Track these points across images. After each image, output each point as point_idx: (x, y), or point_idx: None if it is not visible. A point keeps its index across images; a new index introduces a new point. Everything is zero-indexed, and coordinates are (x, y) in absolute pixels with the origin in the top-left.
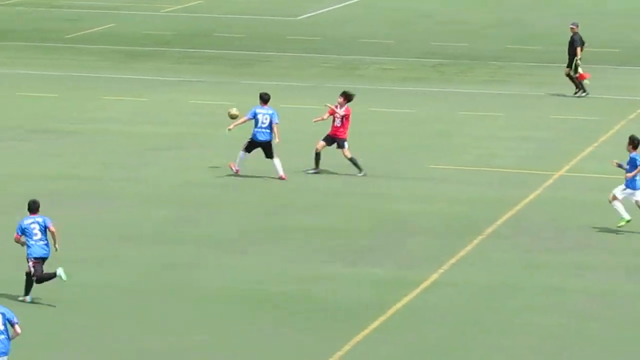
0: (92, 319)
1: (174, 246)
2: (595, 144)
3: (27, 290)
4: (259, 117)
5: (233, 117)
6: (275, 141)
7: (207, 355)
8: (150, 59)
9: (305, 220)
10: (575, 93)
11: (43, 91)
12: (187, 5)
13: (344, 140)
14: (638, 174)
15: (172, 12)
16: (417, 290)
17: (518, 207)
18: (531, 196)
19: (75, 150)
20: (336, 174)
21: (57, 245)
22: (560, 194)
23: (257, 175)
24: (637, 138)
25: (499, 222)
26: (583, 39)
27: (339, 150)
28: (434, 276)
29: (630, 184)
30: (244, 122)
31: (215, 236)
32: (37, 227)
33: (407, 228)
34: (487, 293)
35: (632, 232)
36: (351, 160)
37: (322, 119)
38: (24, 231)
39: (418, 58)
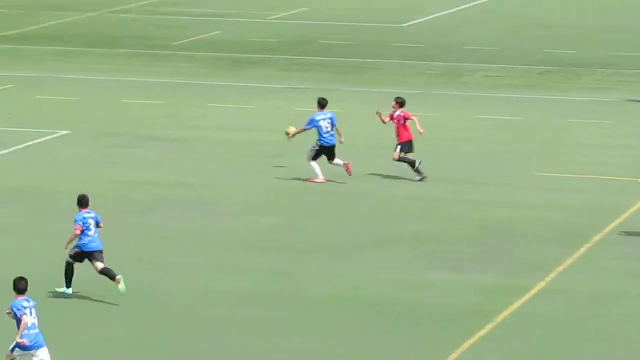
0: (201, 325)
1: (280, 253)
2: None
3: (68, 282)
4: (321, 123)
5: (289, 134)
6: (341, 140)
7: None
8: (255, 66)
9: (411, 227)
10: None
11: (149, 98)
12: (292, 12)
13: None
14: None
15: (278, 19)
16: (524, 298)
17: (625, 215)
18: (638, 204)
19: (180, 158)
20: (443, 181)
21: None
22: None
23: (361, 182)
24: None
25: (606, 229)
26: None
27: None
28: (541, 284)
29: None
30: (302, 131)
31: (321, 243)
32: (93, 222)
33: (513, 235)
34: (593, 301)
35: None
36: (400, 159)
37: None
38: (84, 224)
39: (524, 65)
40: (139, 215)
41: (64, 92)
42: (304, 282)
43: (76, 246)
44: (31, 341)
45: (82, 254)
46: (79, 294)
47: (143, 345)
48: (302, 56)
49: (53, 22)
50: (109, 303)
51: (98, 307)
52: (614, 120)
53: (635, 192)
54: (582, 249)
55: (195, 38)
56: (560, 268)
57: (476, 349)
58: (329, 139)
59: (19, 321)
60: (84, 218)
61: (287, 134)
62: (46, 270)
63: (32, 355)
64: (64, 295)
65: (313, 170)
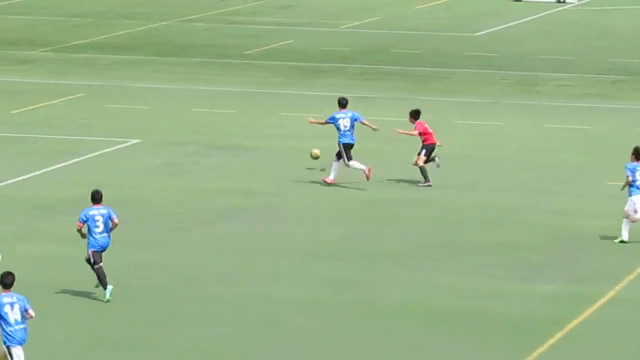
0: (269, 333)
1: (348, 262)
2: None
3: (103, 284)
4: (340, 122)
5: (315, 157)
6: (375, 128)
7: None
8: (327, 75)
9: (481, 235)
10: None
11: (220, 107)
12: (365, 21)
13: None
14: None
15: (351, 28)
16: (594, 307)
17: None
18: None
19: (252, 166)
20: (513, 190)
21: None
22: None
23: (428, 191)
24: None
25: None
26: None
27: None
28: (611, 292)
29: (633, 191)
30: (323, 123)
31: (390, 251)
32: (101, 219)
33: (584, 244)
34: None
35: None
36: (421, 168)
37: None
38: (86, 220)
39: (597, 74)
40: (209, 224)
41: (135, 101)
42: (371, 291)
43: (90, 246)
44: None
45: (98, 253)
46: (150, 302)
47: (212, 355)
48: (374, 65)
49: (125, 32)
50: (177, 312)
51: (169, 315)
52: None
53: None
54: None
55: (267, 47)
56: (631, 277)
57: (546, 357)
58: (345, 138)
59: None
60: (88, 215)
61: (312, 155)
62: (112, 277)
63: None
64: (110, 295)
65: (355, 168)
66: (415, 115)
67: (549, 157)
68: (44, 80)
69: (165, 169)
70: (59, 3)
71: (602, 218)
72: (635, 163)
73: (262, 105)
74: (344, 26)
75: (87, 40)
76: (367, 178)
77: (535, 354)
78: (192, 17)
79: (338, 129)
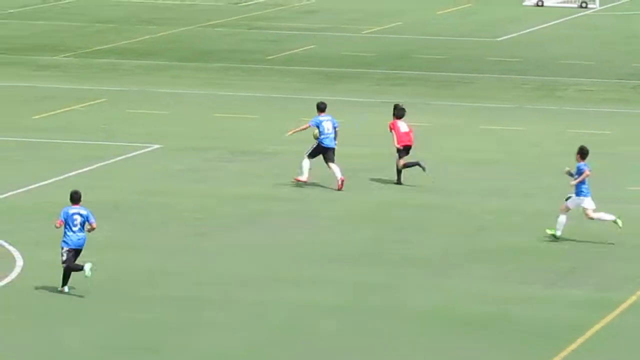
0: (295, 339)
1: (376, 267)
2: None
3: (64, 282)
4: (324, 124)
5: (316, 137)
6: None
7: None
8: (350, 80)
9: (505, 241)
10: None
11: (242, 112)
12: (387, 26)
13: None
14: (583, 182)
15: (373, 33)
16: (616, 312)
17: None
18: None
19: (275, 172)
20: (537, 195)
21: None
22: None
23: (453, 196)
24: (586, 148)
25: None
26: None
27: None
28: (633, 298)
29: (577, 192)
30: (305, 128)
31: (416, 257)
32: (80, 218)
33: (606, 249)
34: None
35: None
36: (405, 166)
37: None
38: (66, 218)
39: (618, 79)
40: (231, 230)
41: (156, 106)
42: (395, 296)
43: (64, 244)
44: None
45: (70, 251)
46: (172, 308)
47: None
48: (396, 70)
49: (147, 37)
50: (199, 318)
51: (192, 321)
52: None
53: None
54: None
55: (289, 52)
56: None
57: None
58: (326, 141)
59: None
60: (67, 214)
61: (314, 135)
62: (134, 282)
63: None
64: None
65: (302, 167)
66: (395, 111)
67: (571, 163)
68: (65, 86)
69: (187, 174)
70: (80, 9)
71: (624, 223)
72: (582, 162)
73: (284, 111)
74: (366, 31)
75: (108, 46)
76: (295, 179)
77: (557, 359)
78: (213, 22)
79: (321, 132)
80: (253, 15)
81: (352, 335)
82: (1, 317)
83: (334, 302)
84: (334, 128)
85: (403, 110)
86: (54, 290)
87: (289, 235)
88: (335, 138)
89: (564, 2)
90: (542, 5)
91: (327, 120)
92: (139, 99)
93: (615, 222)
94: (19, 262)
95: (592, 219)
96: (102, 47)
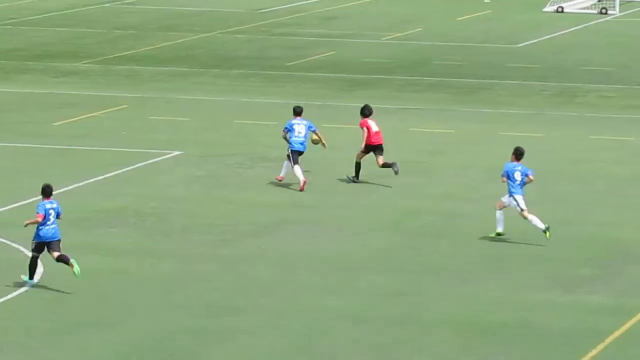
0: (314, 346)
1: (395, 274)
2: None
3: (30, 273)
4: (295, 127)
5: (315, 142)
6: (324, 144)
7: None
8: (370, 86)
9: (524, 247)
10: None
11: (263, 119)
12: (407, 32)
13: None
14: (510, 181)
15: (393, 39)
16: (636, 318)
17: None
18: None
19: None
20: (559, 202)
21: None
22: None
23: (475, 203)
24: (521, 149)
25: None
26: None
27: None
28: None
29: (511, 191)
30: (285, 135)
31: (435, 264)
32: (53, 212)
33: (629, 256)
34: None
35: None
36: (384, 165)
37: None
38: (46, 213)
39: (637, 85)
40: (253, 236)
41: (177, 113)
42: (417, 303)
43: (36, 238)
44: None
45: (42, 244)
46: (192, 315)
47: None
48: (416, 76)
49: (167, 43)
50: (220, 325)
51: (212, 328)
52: None
53: None
54: None
55: (310, 59)
56: None
57: None
58: (297, 144)
59: None
60: (46, 208)
61: (313, 141)
62: (155, 289)
63: None
64: (26, 284)
65: (296, 174)
66: (361, 111)
67: (592, 169)
68: (86, 93)
69: (207, 180)
70: (101, 15)
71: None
72: (515, 163)
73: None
74: (386, 38)
75: (129, 52)
76: (301, 189)
77: None
78: (234, 29)
79: (293, 135)
80: (273, 22)
81: (373, 343)
82: (24, 324)
83: (354, 310)
84: (309, 130)
85: (371, 109)
86: (74, 296)
87: (310, 242)
88: (306, 142)
89: (584, 9)
90: (562, 12)
91: (300, 124)
92: (160, 106)
93: (544, 231)
94: (39, 269)
95: (526, 218)
96: (122, 54)
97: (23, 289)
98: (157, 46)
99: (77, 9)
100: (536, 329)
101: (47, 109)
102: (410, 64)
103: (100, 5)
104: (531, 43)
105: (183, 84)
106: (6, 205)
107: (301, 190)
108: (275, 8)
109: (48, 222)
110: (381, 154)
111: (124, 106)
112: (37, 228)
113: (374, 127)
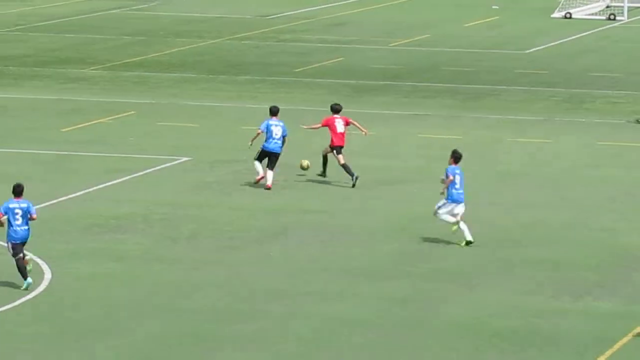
0: (324, 352)
1: (404, 279)
2: None
3: (23, 275)
4: (272, 128)
5: (306, 168)
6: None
7: None
8: (378, 92)
9: (534, 253)
10: None
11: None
12: (415, 39)
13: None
14: (449, 185)
15: (401, 45)
16: None
17: None
18: None
19: (303, 184)
20: (568, 208)
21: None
22: None
23: (482, 209)
24: (458, 152)
25: None
26: None
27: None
28: None
29: (449, 197)
30: (259, 135)
31: (444, 270)
32: (20, 212)
33: (636, 262)
34: None
35: None
36: (343, 166)
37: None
38: (6, 212)
39: None
40: (261, 242)
41: (185, 119)
42: (426, 309)
43: (9, 239)
44: None
45: (17, 245)
46: (200, 321)
47: None
48: (424, 82)
49: (175, 50)
50: (227, 331)
51: (219, 334)
52: None
53: None
54: None
55: (317, 65)
56: None
57: None
58: (273, 146)
59: None
60: (9, 207)
61: (302, 166)
62: (164, 295)
63: None
64: (27, 287)
65: (256, 168)
66: (331, 107)
67: (600, 174)
68: (94, 99)
69: (216, 186)
70: (109, 22)
71: None
72: (454, 166)
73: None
74: (394, 44)
75: (137, 59)
76: (256, 182)
77: None
78: (241, 35)
79: (270, 136)
80: (281, 28)
81: (380, 348)
82: (31, 330)
83: (362, 315)
84: (283, 136)
85: (340, 106)
86: (83, 302)
87: (317, 248)
88: (282, 144)
89: (592, 14)
90: (570, 18)
91: (277, 126)
92: (168, 112)
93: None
94: (47, 275)
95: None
96: (130, 60)
97: (30, 295)
98: (165, 52)
99: (85, 15)
100: (545, 335)
101: (55, 115)
102: (418, 70)
103: (109, 12)
104: (539, 49)
105: (191, 90)
106: None
107: (256, 183)
108: (283, 14)
109: (16, 222)
110: (341, 153)
111: (132, 112)
112: (7, 228)
113: (339, 128)
